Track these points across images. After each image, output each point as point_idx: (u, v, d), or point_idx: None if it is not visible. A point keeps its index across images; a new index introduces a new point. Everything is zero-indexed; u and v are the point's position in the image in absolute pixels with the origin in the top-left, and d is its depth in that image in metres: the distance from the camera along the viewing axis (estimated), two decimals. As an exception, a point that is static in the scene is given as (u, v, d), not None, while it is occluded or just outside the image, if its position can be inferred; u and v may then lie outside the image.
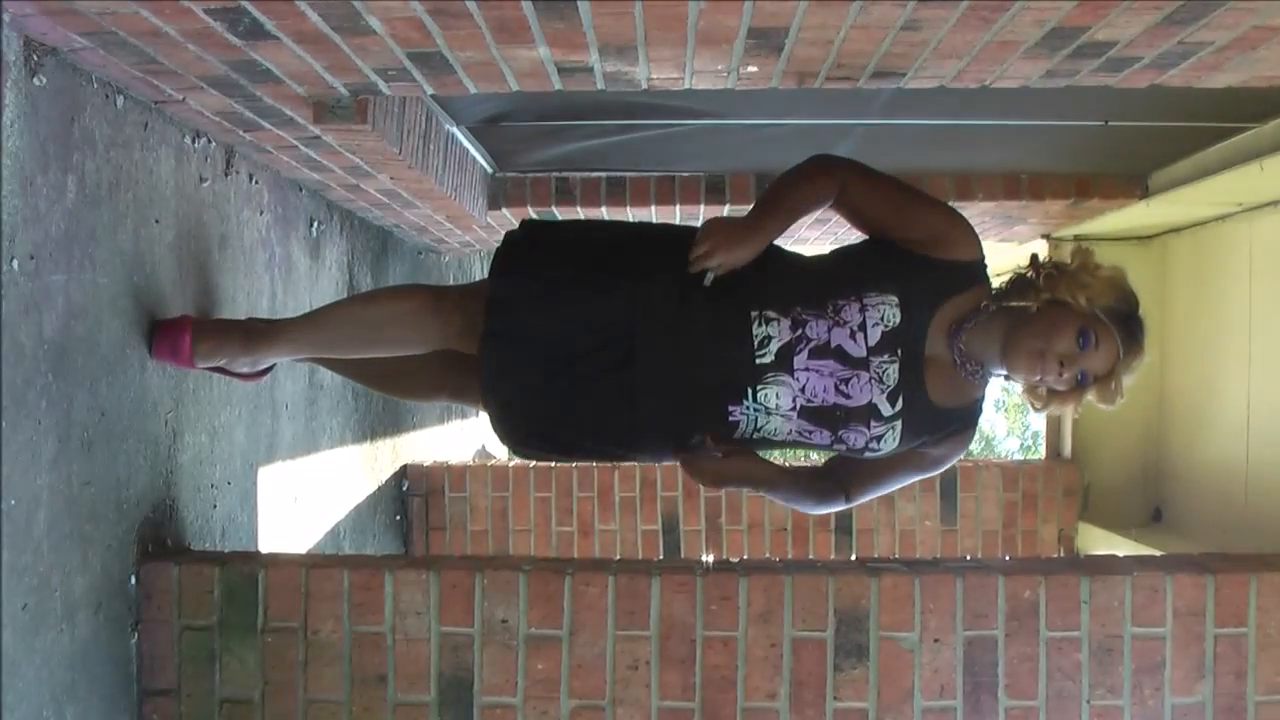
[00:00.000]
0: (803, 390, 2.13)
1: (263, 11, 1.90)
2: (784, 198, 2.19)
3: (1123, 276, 2.18)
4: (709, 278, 2.15)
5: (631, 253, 2.26)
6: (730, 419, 2.16)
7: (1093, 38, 2.03)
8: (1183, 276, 4.52)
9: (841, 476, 2.31)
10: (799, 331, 2.12)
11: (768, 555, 4.53)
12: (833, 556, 4.47)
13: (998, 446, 17.21)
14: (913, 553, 4.53)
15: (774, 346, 2.12)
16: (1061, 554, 4.60)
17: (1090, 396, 2.15)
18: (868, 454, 2.19)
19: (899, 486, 2.37)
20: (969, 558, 3.47)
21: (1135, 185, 4.03)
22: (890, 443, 2.18)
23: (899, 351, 2.13)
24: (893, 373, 2.13)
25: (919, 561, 2.50)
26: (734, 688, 2.30)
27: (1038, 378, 2.12)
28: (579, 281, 2.21)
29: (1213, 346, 4.26)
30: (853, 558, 4.43)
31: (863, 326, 2.11)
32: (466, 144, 3.63)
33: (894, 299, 2.12)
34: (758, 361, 2.12)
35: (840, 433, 2.16)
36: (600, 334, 2.18)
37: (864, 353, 2.11)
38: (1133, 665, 2.31)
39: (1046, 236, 4.76)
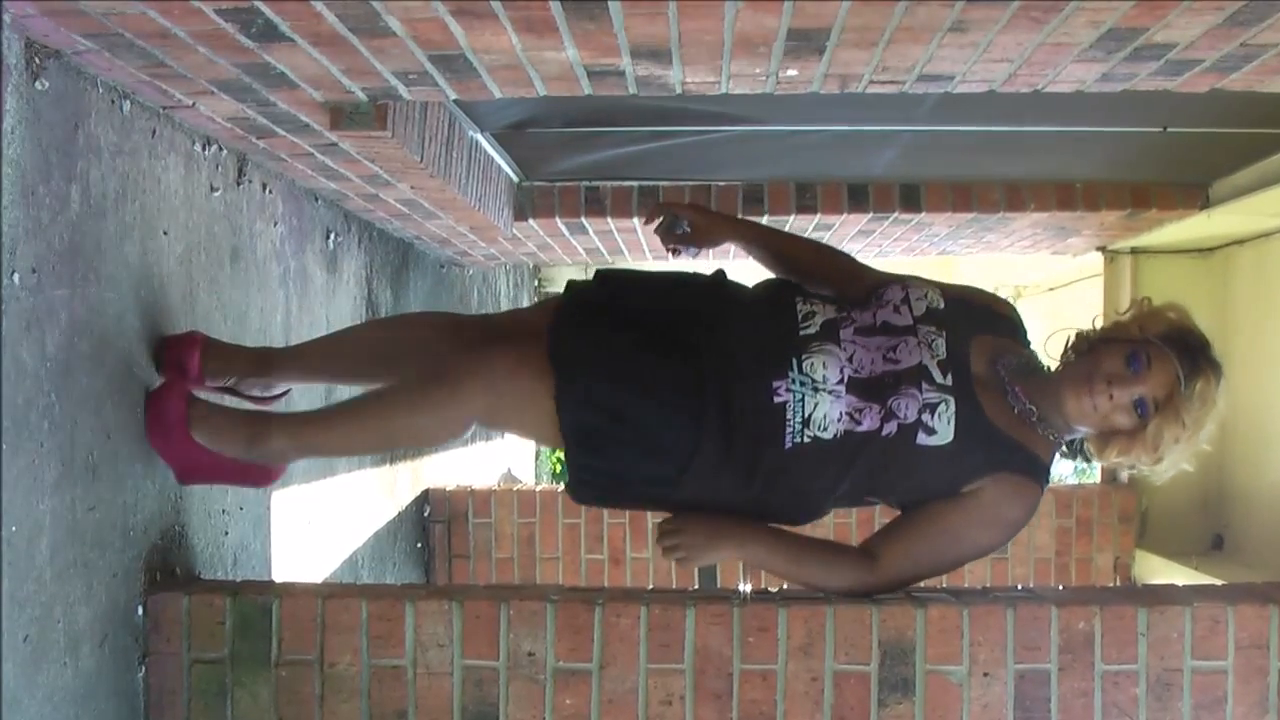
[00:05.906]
0: (850, 360, 2.11)
1: (276, 12, 1.87)
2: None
3: (1183, 311, 2.15)
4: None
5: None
6: (776, 399, 2.09)
7: (1151, 39, 2.00)
8: (1245, 291, 4.48)
9: (873, 545, 2.24)
10: (844, 313, 2.18)
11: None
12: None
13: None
14: (961, 582, 4.42)
15: (819, 320, 2.16)
16: (1118, 583, 4.57)
17: (1161, 446, 2.08)
18: (920, 438, 2.08)
19: (940, 567, 2.24)
20: (1020, 587, 3.40)
21: (1195, 195, 4.00)
22: (945, 424, 2.07)
23: (944, 331, 2.14)
24: (941, 345, 2.12)
25: (967, 591, 2.47)
26: (773, 725, 2.25)
27: (1091, 406, 2.07)
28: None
29: (1277, 364, 4.20)
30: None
31: (905, 300, 2.18)
32: (491, 151, 3.62)
33: (938, 292, 2.22)
34: (802, 332, 2.14)
35: (892, 403, 2.08)
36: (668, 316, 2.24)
37: (910, 320, 2.15)
38: (1192, 700, 2.25)
39: (1102, 249, 4.80)
